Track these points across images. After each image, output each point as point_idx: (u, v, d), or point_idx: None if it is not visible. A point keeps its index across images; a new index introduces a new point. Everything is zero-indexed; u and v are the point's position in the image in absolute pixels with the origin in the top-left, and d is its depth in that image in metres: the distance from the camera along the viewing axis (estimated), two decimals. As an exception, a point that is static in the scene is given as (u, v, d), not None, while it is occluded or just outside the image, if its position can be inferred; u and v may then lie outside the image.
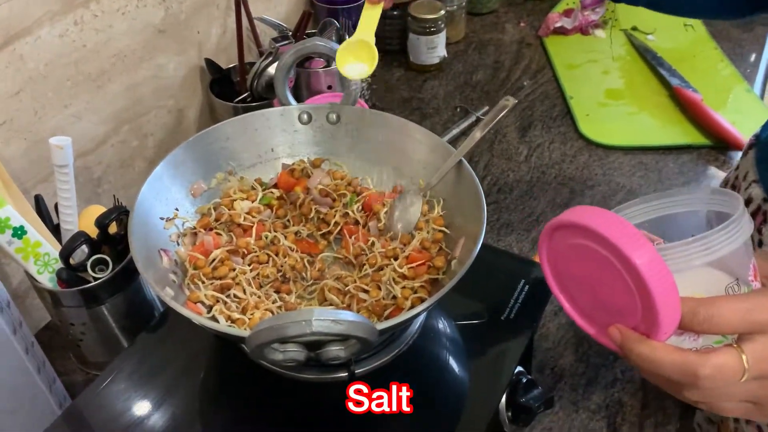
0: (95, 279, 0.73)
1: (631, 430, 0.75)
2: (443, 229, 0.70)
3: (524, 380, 0.71)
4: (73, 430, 0.65)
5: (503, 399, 0.68)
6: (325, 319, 0.47)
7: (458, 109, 1.20)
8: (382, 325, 0.54)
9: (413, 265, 0.66)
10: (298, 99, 1.08)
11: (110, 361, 0.80)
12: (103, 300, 0.75)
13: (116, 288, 0.75)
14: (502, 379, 0.68)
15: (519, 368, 0.71)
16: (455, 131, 1.14)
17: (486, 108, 1.18)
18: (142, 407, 0.64)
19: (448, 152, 0.72)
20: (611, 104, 1.19)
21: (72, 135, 0.82)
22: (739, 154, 0.91)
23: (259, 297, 0.66)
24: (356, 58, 0.70)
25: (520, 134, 1.15)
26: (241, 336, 0.53)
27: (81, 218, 0.79)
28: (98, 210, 0.79)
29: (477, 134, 0.72)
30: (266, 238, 0.72)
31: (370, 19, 0.70)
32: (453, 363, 0.69)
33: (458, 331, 0.72)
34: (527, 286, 0.75)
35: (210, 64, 0.99)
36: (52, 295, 0.73)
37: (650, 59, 1.26)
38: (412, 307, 0.63)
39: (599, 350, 0.83)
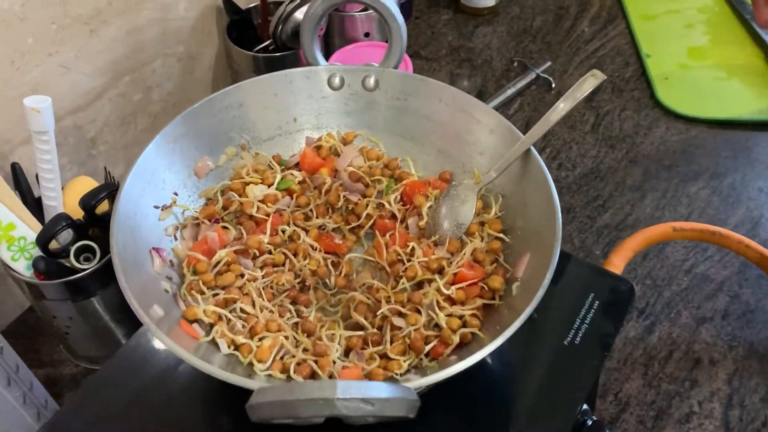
0: (80, 269, 0.61)
1: (709, 479, 0.63)
2: (501, 236, 0.57)
3: (589, 422, 0.58)
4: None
5: (562, 448, 0.56)
6: (352, 398, 0.34)
7: (515, 63, 1.03)
8: (423, 382, 0.41)
9: (463, 285, 0.52)
10: (329, 48, 0.93)
11: (102, 356, 0.70)
12: (92, 292, 0.64)
13: (108, 278, 0.63)
14: (563, 422, 0.55)
15: (584, 406, 0.58)
16: (510, 91, 0.98)
17: (548, 63, 1.01)
18: (133, 415, 0.53)
19: (513, 137, 0.58)
20: (694, 66, 1.02)
21: (60, 89, 0.69)
22: None
23: (271, 312, 0.54)
24: None
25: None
26: (244, 387, 0.41)
27: (67, 191, 0.66)
28: (87, 183, 0.67)
29: (551, 117, 0.57)
30: (283, 233, 0.59)
31: None
32: (500, 398, 0.56)
33: (509, 359, 0.59)
34: (597, 303, 0.61)
35: (227, 3, 0.83)
36: (31, 287, 0.62)
37: (744, 13, 1.07)
38: (461, 343, 0.50)
39: (673, 374, 0.70)
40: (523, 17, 1.12)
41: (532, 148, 0.56)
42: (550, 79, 1.00)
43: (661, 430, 0.66)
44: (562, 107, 0.57)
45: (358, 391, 0.34)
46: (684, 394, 0.69)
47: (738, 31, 1.07)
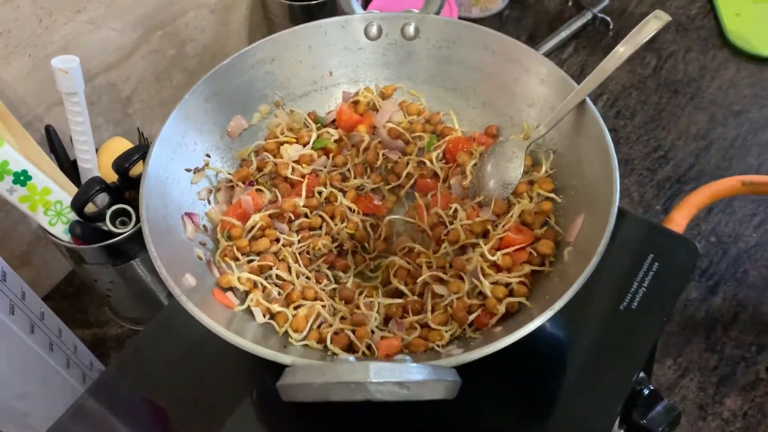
0: (117, 233, 0.60)
1: (776, 450, 0.59)
2: (552, 196, 0.52)
3: (646, 392, 0.55)
4: (99, 407, 0.55)
5: (617, 418, 0.53)
6: (386, 382, 0.32)
7: (570, 2, 0.96)
8: (464, 358, 0.39)
9: (509, 250, 0.49)
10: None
11: (145, 317, 0.70)
12: (132, 255, 0.63)
13: (147, 239, 0.62)
14: (617, 390, 0.52)
15: (640, 374, 0.55)
16: (565, 33, 0.91)
17: (606, 2, 0.94)
18: (180, 379, 0.53)
19: (566, 87, 0.53)
20: (771, -1, 0.93)
21: (90, 47, 0.67)
22: None
23: (307, 278, 0.51)
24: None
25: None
26: (276, 361, 0.40)
27: (102, 153, 0.65)
28: (122, 144, 0.65)
29: (609, 64, 0.52)
30: (320, 195, 0.56)
31: None
32: (551, 367, 0.53)
33: (561, 325, 0.56)
34: (656, 264, 0.57)
35: (261, -51, 0.79)
36: (70, 251, 0.61)
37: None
38: (507, 313, 0.47)
39: (738, 338, 0.66)
40: (578, -49, 1.04)
41: (588, 100, 0.52)
42: (608, 19, 0.92)
43: (723, 397, 0.63)
44: (621, 52, 0.51)
45: (392, 374, 0.32)
46: (750, 359, 0.65)
47: (821, -42, 0.96)
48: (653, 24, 0.51)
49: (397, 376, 0.32)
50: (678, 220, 0.63)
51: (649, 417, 0.54)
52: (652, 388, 0.56)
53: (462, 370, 0.48)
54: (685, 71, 0.87)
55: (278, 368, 0.40)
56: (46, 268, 0.74)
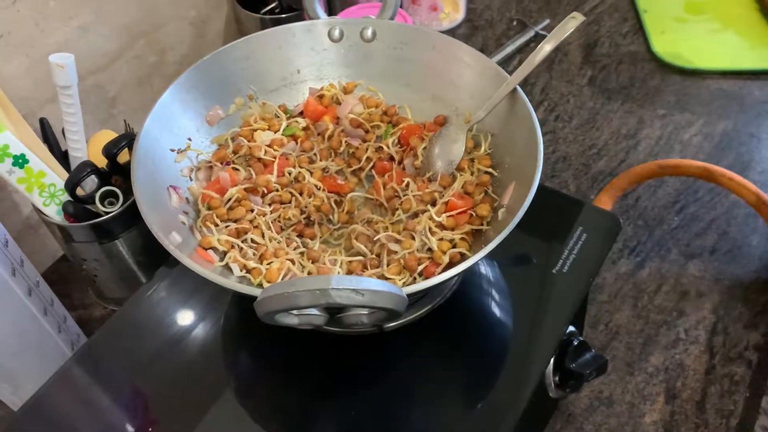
0: (105, 213, 0.67)
1: (693, 398, 0.68)
2: (490, 170, 0.61)
3: (575, 342, 0.63)
4: (84, 373, 0.61)
5: (551, 363, 0.61)
6: (344, 288, 0.39)
7: (514, 23, 1.07)
8: (411, 289, 0.46)
9: (453, 213, 0.57)
10: (331, 8, 0.97)
11: (128, 298, 0.76)
12: (116, 235, 0.69)
13: (130, 221, 0.69)
14: (550, 340, 0.60)
15: (571, 328, 0.63)
16: (510, 48, 1.01)
17: (547, 21, 1.05)
18: (157, 348, 0.59)
19: (500, 78, 0.62)
20: (691, 20, 1.04)
21: (80, 50, 0.74)
22: None
23: (279, 242, 0.59)
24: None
25: (584, 53, 1.02)
26: (252, 295, 0.47)
27: (91, 144, 0.72)
28: (109, 135, 0.72)
29: (535, 59, 0.61)
30: (289, 174, 0.63)
31: None
32: (495, 321, 0.61)
33: (503, 286, 0.64)
34: (585, 235, 0.65)
35: (235, -32, 0.88)
36: (62, 230, 0.68)
37: (741, -35, 1.09)
38: (450, 262, 0.54)
39: (661, 305, 0.74)
40: (523, -22, 1.15)
41: (518, 88, 0.60)
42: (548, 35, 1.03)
43: (648, 354, 0.71)
44: (546, 48, 0.60)
45: (350, 283, 0.39)
46: (671, 323, 0.73)
47: (734, -16, 1.09)
48: (571, 23, 0.60)
49: (354, 284, 0.39)
50: (604, 200, 0.72)
51: (579, 362, 0.62)
52: (581, 339, 0.64)
53: (421, 326, 0.56)
54: (617, 80, 0.98)
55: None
56: (33, 257, 0.79)
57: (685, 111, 0.93)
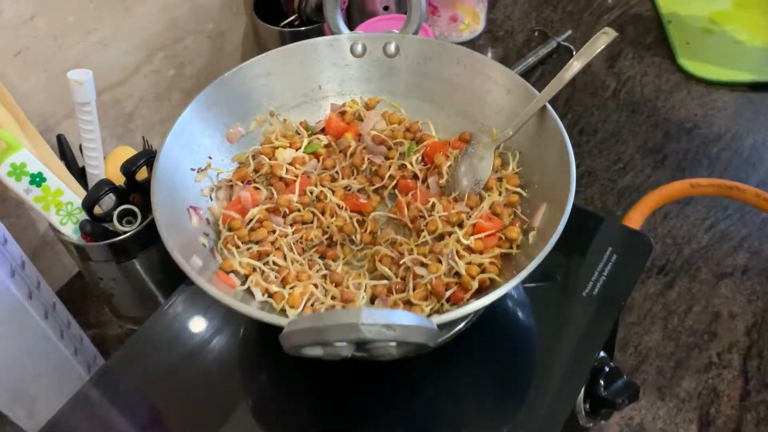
0: (123, 232, 0.66)
1: (728, 425, 0.65)
2: (519, 190, 0.59)
3: (607, 369, 0.61)
4: (100, 397, 0.59)
5: (581, 391, 0.58)
6: (375, 323, 0.37)
7: (536, 33, 1.05)
8: (442, 319, 0.44)
9: (481, 235, 0.55)
10: (350, 23, 0.96)
11: (144, 317, 0.75)
12: (134, 254, 0.68)
13: (149, 240, 0.68)
14: (581, 367, 0.58)
15: (601, 354, 0.61)
16: (531, 60, 0.99)
17: (569, 32, 1.03)
18: (174, 369, 0.58)
19: (529, 95, 0.60)
20: (717, 30, 1.02)
21: (99, 64, 0.73)
22: None
23: (301, 264, 0.57)
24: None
25: (608, 64, 1.00)
26: (277, 324, 0.45)
27: (109, 160, 0.71)
28: (127, 152, 0.71)
29: (565, 75, 0.59)
30: (311, 193, 0.62)
31: None
32: (523, 346, 0.59)
33: (531, 309, 0.62)
34: (615, 256, 0.63)
35: (254, -20, 0.87)
36: (78, 249, 0.66)
37: (768, -25, 1.07)
38: (480, 288, 0.53)
39: (692, 327, 0.72)
40: (544, -13, 1.13)
41: (548, 105, 0.59)
42: (571, 47, 1.01)
43: (680, 379, 0.68)
44: (575, 65, 0.58)
45: (381, 317, 0.37)
46: (703, 346, 0.71)
47: (762, -7, 1.06)
48: (603, 39, 0.58)
49: (385, 319, 0.37)
50: (634, 218, 0.70)
51: (610, 390, 0.60)
52: (612, 365, 0.61)
53: (442, 351, 0.54)
54: (642, 93, 0.95)
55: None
56: (49, 274, 0.78)
57: (713, 124, 0.91)
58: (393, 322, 0.38)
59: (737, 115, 0.92)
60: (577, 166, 0.86)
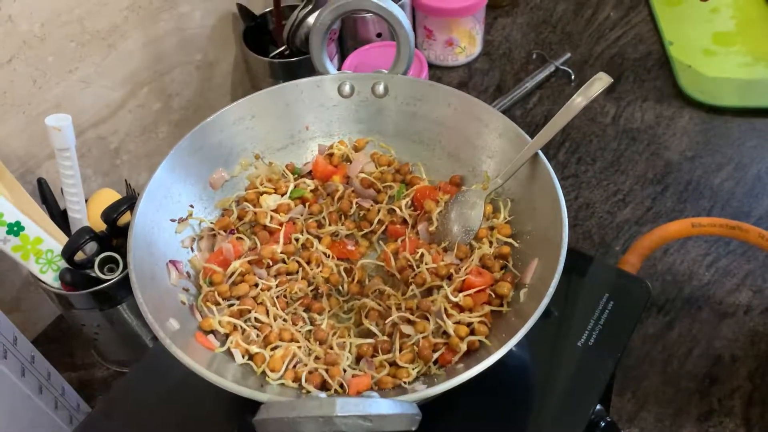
0: (105, 279, 0.64)
1: (729, 478, 0.63)
2: (510, 240, 0.57)
3: (603, 424, 0.58)
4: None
5: (576, 448, 0.56)
6: (350, 415, 0.35)
7: (534, 56, 1.02)
8: (426, 394, 0.43)
9: (470, 292, 0.53)
10: (343, 50, 0.94)
11: (131, 360, 0.73)
12: (118, 300, 0.66)
13: (132, 285, 0.66)
14: (576, 422, 0.56)
15: (598, 406, 0.59)
16: (529, 84, 0.97)
17: (567, 55, 1.00)
18: (162, 421, 0.56)
19: (521, 141, 0.58)
20: (720, 52, 0.99)
21: (81, 103, 0.71)
22: None
23: (284, 321, 0.55)
24: None
25: (607, 89, 0.96)
26: (254, 399, 0.43)
27: (91, 204, 0.69)
28: (110, 195, 0.69)
29: (558, 122, 0.57)
30: (296, 241, 0.60)
31: None
32: (515, 399, 0.57)
33: (524, 361, 0.59)
34: (611, 303, 0.61)
35: (242, 10, 0.85)
36: (60, 297, 0.65)
37: (773, -6, 1.04)
38: (469, 351, 0.51)
39: (692, 371, 0.70)
40: (543, 7, 1.11)
41: (540, 153, 0.56)
42: (570, 71, 0.99)
43: (680, 427, 0.66)
44: (569, 114, 0.56)
45: (356, 408, 0.36)
46: (704, 391, 0.68)
47: (766, 14, 1.04)
48: (597, 85, 0.56)
49: (360, 410, 0.36)
50: (632, 261, 0.68)
51: (606, 448, 0.58)
52: (609, 420, 0.59)
53: (432, 404, 0.52)
54: (642, 119, 0.93)
55: (257, 406, 0.43)
56: (35, 314, 0.77)
57: (716, 153, 0.88)
58: (369, 413, 0.36)
59: (740, 142, 0.89)
60: (575, 198, 0.85)
